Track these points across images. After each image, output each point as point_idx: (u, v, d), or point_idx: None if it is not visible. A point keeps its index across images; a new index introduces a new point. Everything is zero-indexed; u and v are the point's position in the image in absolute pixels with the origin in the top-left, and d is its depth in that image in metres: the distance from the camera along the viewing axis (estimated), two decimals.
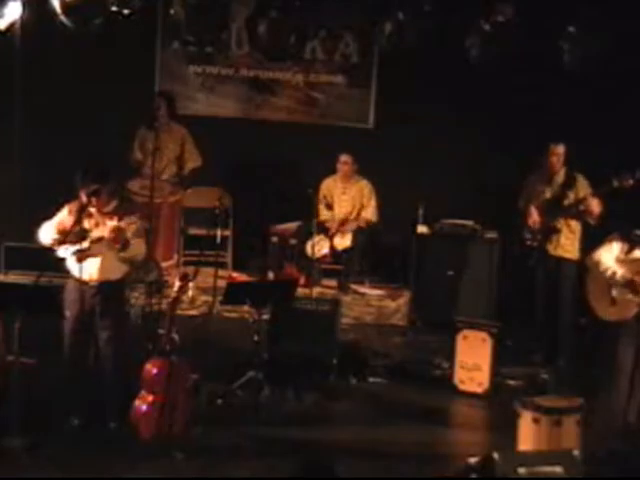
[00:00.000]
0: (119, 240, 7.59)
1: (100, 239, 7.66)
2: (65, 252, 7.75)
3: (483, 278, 10.55)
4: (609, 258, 7.67)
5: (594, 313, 7.82)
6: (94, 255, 7.67)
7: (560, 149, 9.56)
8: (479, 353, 8.97)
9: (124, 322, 8.20)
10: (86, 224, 7.66)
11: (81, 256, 7.67)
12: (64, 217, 7.76)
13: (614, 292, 7.64)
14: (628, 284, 7.57)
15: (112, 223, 7.65)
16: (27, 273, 9.63)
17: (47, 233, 7.75)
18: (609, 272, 7.63)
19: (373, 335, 10.31)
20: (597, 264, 7.72)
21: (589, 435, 7.30)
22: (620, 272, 7.61)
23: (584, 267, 8.02)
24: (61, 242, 7.70)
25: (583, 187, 9.50)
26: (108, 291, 7.77)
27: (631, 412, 7.64)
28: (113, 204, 7.80)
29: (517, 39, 9.57)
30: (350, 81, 11.49)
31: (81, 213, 7.62)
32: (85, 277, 7.69)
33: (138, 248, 7.78)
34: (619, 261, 7.65)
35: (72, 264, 7.78)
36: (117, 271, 7.84)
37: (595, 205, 9.30)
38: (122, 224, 7.63)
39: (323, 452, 7.52)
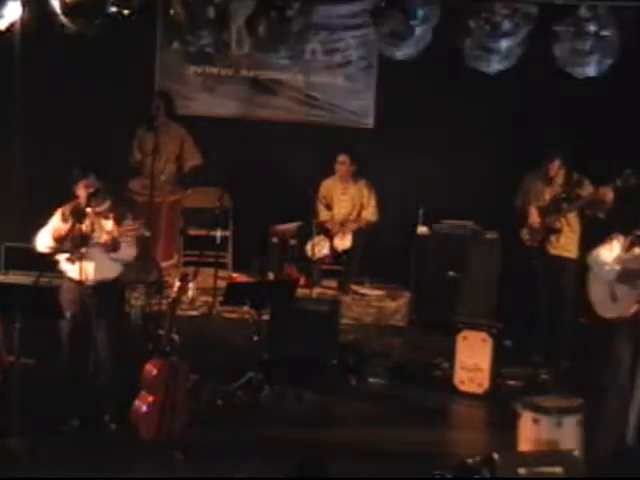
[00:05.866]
0: (111, 243, 7.63)
1: (95, 244, 7.68)
2: (61, 255, 7.77)
3: (483, 278, 10.55)
4: (609, 256, 7.68)
5: (594, 311, 7.83)
6: (87, 259, 7.68)
7: (555, 164, 9.56)
8: (479, 353, 8.97)
9: (122, 322, 8.21)
10: (82, 226, 7.67)
11: (74, 258, 7.69)
12: (58, 222, 7.76)
13: (614, 289, 7.65)
14: (627, 278, 7.57)
15: (107, 223, 7.67)
16: (27, 273, 9.63)
17: (43, 241, 7.77)
18: (608, 269, 7.65)
19: (373, 335, 10.31)
20: (596, 262, 7.74)
21: (590, 435, 7.31)
22: (618, 269, 7.61)
23: (585, 266, 8.03)
24: (59, 250, 7.71)
25: (586, 187, 9.49)
26: (104, 291, 7.79)
27: (631, 412, 7.64)
28: (107, 204, 7.82)
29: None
30: (350, 81, 11.48)
31: (79, 216, 7.62)
32: (81, 277, 7.70)
33: (128, 250, 7.79)
34: (619, 259, 7.66)
35: (67, 265, 7.79)
36: (112, 270, 7.86)
37: (609, 194, 9.22)
38: (121, 230, 7.66)
39: (322, 452, 7.52)
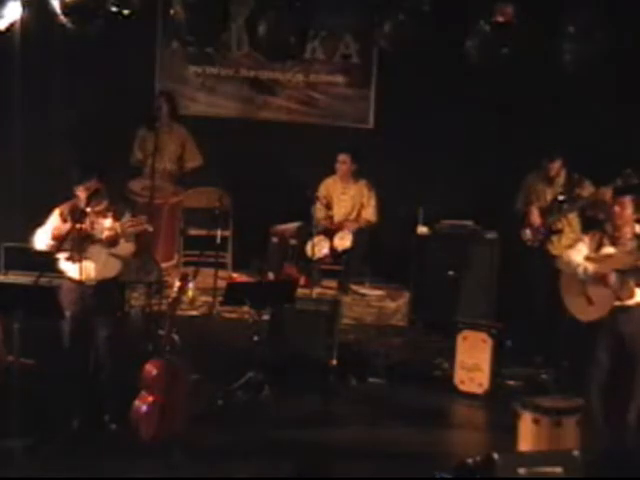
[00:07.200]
0: (113, 239, 7.63)
1: (95, 241, 7.67)
2: (60, 253, 7.76)
3: (483, 278, 10.54)
4: (579, 257, 7.71)
5: (573, 315, 7.85)
6: (87, 258, 7.67)
7: (556, 164, 9.57)
8: (479, 354, 8.98)
9: (122, 321, 8.21)
10: (82, 225, 7.66)
11: (74, 257, 7.68)
12: (57, 222, 7.75)
13: (589, 290, 7.66)
14: (600, 278, 7.59)
15: (106, 221, 7.67)
16: (27, 273, 9.62)
17: (42, 240, 7.75)
18: (580, 269, 7.67)
19: (373, 335, 10.31)
20: (568, 264, 7.76)
21: (589, 435, 7.32)
22: (591, 268, 7.63)
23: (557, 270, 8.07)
24: (58, 249, 7.70)
25: (587, 187, 9.50)
26: (105, 290, 7.78)
27: (631, 412, 7.65)
28: (105, 203, 7.82)
29: (517, 40, 9.56)
30: (350, 81, 11.48)
31: (78, 216, 7.62)
32: (82, 277, 7.69)
33: (126, 246, 7.78)
34: (589, 259, 7.68)
35: (67, 265, 7.78)
36: (112, 268, 7.85)
37: (610, 194, 9.24)
38: (123, 225, 7.65)
39: (323, 452, 7.53)
